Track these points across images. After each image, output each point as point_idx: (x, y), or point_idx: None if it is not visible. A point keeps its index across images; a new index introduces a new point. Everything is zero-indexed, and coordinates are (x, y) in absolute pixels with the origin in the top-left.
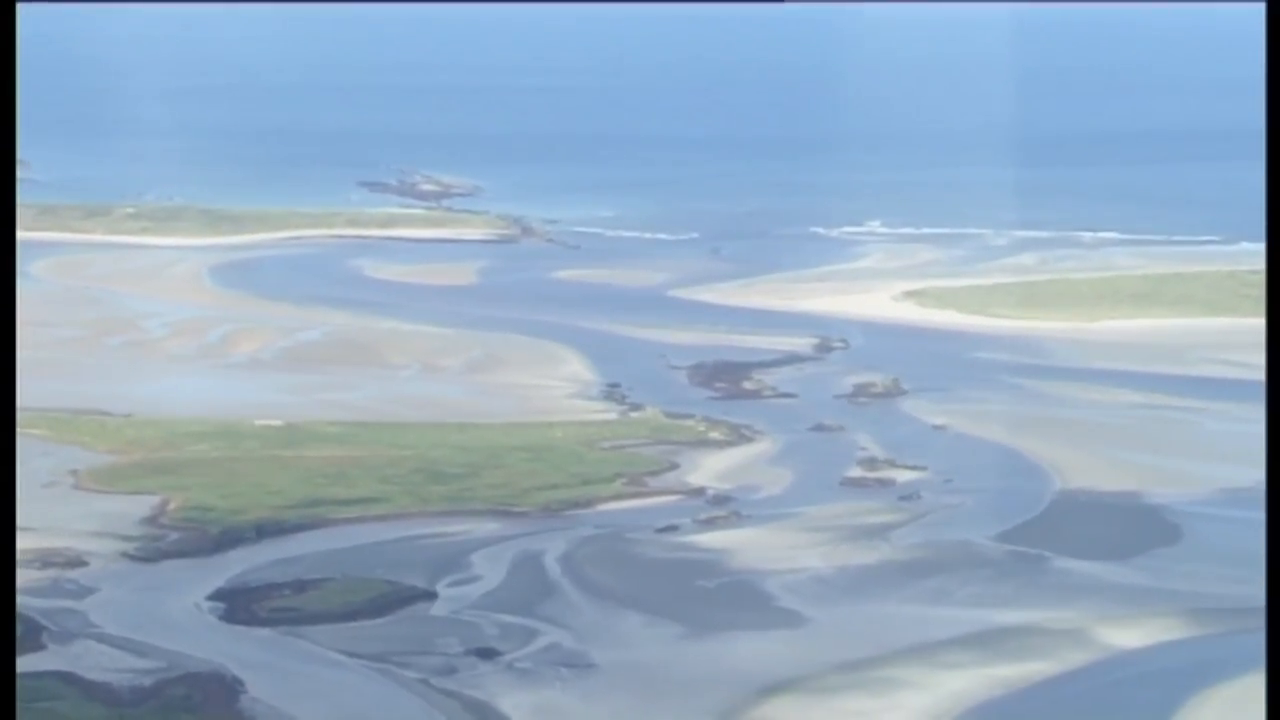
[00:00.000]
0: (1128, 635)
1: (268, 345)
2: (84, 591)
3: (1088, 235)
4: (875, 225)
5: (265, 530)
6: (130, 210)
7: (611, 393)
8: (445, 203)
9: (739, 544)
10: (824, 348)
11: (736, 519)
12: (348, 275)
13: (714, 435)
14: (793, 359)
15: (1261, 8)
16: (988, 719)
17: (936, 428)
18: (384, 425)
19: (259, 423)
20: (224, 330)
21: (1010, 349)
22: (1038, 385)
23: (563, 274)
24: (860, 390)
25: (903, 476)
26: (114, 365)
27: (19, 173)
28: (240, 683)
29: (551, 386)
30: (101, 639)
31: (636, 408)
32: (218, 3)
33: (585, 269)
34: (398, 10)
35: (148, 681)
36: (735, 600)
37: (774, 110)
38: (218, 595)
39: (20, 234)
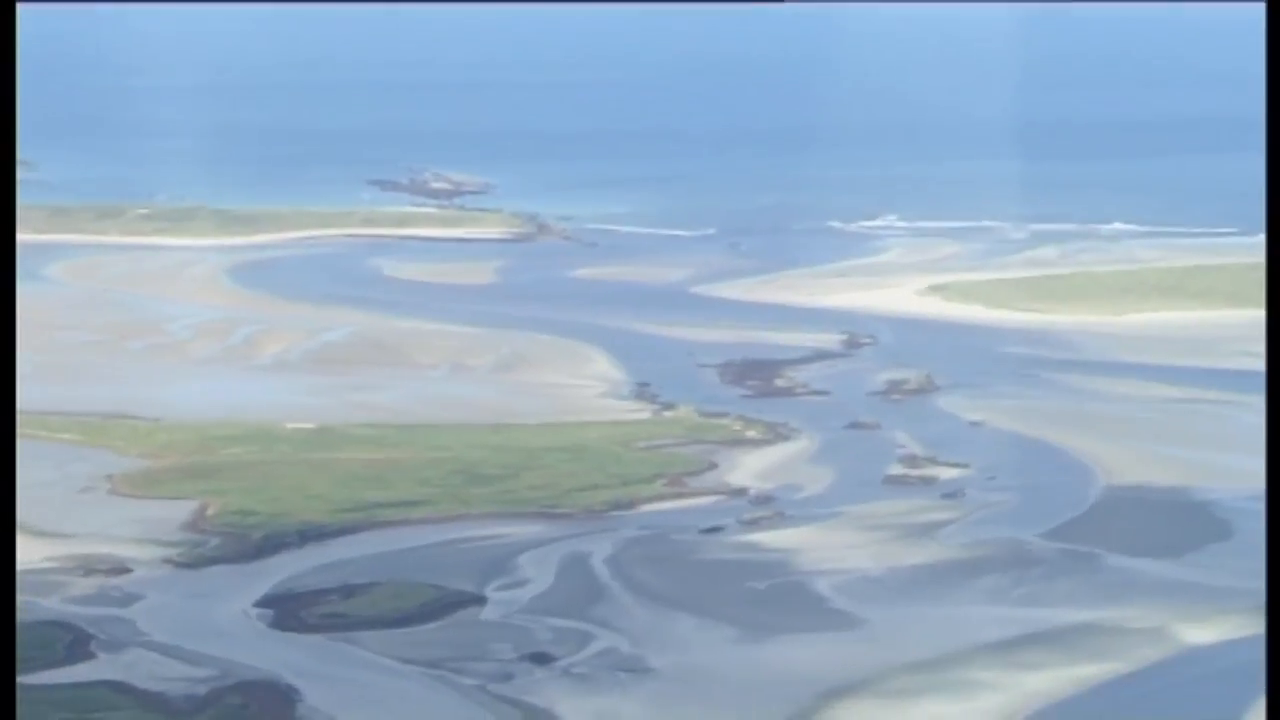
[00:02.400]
0: (1198, 633)
1: (293, 346)
2: (130, 599)
3: (1105, 228)
4: (892, 219)
5: (307, 535)
6: (144, 211)
7: (642, 392)
8: (458, 200)
9: (786, 544)
10: (852, 344)
11: (781, 519)
12: (366, 275)
13: (750, 434)
14: (822, 355)
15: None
16: (1071, 717)
17: (973, 424)
18: (417, 426)
19: (291, 425)
20: (247, 331)
21: (1040, 343)
22: (1071, 380)
23: (582, 272)
24: (893, 387)
25: (945, 474)
26: (139, 368)
27: (26, 174)
28: (296, 691)
29: (581, 386)
30: (151, 647)
31: (669, 407)
32: (218, 2)
33: (604, 266)
34: (398, 6)
35: (202, 690)
36: (787, 602)
37: (780, 103)
38: (265, 601)
39: (34, 236)
